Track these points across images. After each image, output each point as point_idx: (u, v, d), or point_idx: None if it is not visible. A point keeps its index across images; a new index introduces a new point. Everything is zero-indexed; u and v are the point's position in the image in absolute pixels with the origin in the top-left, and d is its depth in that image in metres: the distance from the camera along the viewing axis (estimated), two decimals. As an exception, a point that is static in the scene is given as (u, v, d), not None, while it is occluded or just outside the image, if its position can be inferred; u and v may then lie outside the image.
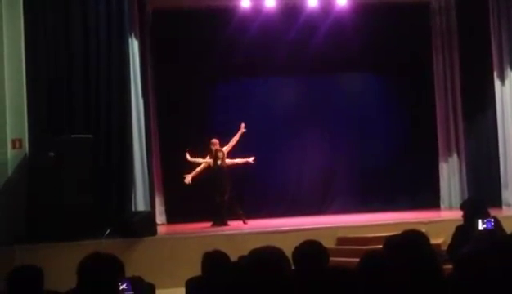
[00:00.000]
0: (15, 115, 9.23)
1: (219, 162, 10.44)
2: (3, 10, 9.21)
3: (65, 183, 8.95)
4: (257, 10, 11.61)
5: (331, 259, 3.93)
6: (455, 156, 11.90)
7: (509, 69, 11.18)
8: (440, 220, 9.53)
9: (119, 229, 8.95)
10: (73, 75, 9.66)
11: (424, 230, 3.56)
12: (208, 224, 10.35)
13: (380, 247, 3.75)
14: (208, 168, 10.63)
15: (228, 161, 10.55)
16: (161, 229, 10.03)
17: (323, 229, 9.02)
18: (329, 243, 8.00)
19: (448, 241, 6.54)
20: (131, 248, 8.55)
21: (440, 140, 11.97)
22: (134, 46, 10.36)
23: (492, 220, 5.59)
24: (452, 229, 6.44)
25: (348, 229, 9.34)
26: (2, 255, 8.11)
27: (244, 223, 10.37)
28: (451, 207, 11.51)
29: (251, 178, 10.77)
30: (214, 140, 10.65)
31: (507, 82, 11.20)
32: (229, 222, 10.34)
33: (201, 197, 10.82)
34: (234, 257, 4.66)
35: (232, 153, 10.73)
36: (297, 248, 3.80)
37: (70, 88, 9.65)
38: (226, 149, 10.60)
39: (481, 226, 5.54)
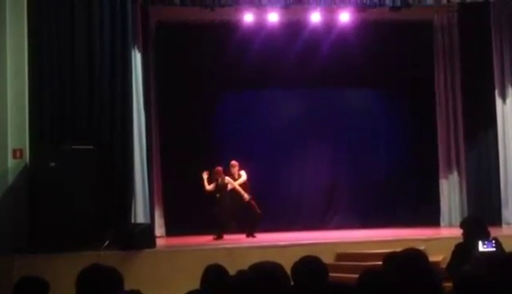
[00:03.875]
0: (17, 125, 9.24)
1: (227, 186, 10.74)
2: (7, 21, 9.25)
3: (66, 194, 8.94)
4: (260, 25, 11.65)
5: (330, 275, 3.92)
6: (455, 173, 11.91)
7: (510, 88, 11.23)
8: (440, 238, 9.50)
9: (118, 241, 8.93)
10: (75, 86, 9.66)
11: (423, 247, 3.57)
12: (208, 237, 10.34)
13: (379, 263, 3.76)
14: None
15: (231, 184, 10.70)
16: (160, 242, 10.01)
17: (322, 245, 9.01)
18: (328, 259, 7.99)
19: (448, 259, 6.52)
20: (129, 260, 8.52)
21: (441, 156, 11.97)
22: (137, 58, 10.38)
23: (493, 241, 5.56)
24: (452, 247, 6.41)
25: (347, 244, 9.32)
26: (1, 264, 8.09)
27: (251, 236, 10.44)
28: (451, 225, 11.49)
29: (251, 192, 10.75)
30: (219, 169, 10.74)
31: (508, 100, 11.25)
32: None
33: (201, 210, 10.82)
34: (233, 271, 4.64)
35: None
36: (296, 264, 3.78)
37: (72, 99, 9.64)
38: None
39: (481, 247, 5.50)
